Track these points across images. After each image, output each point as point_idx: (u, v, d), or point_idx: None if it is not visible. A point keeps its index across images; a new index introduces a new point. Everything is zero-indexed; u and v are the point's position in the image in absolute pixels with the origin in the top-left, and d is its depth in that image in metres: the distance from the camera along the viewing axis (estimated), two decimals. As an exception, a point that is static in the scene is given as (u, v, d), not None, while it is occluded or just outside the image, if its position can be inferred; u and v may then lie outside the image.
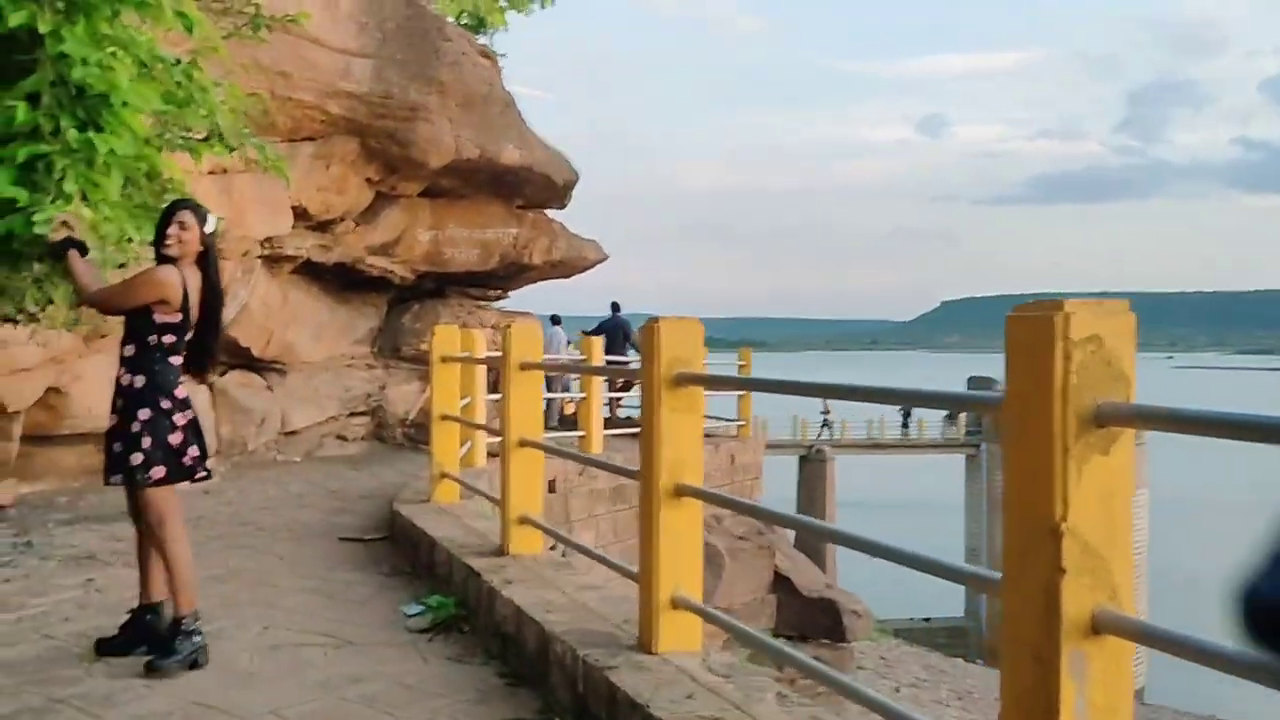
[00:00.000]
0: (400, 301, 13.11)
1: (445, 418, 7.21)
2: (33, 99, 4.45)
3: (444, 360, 7.23)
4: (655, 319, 3.75)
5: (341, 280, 11.80)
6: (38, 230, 4.18)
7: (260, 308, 10.13)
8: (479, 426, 6.95)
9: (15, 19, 4.16)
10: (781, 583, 13.64)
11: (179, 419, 4.07)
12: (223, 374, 10.50)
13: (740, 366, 13.57)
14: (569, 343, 15.44)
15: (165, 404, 4.03)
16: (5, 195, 4.24)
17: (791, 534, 16.01)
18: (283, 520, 7.70)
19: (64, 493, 8.02)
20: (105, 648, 4.19)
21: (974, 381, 44.90)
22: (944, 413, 41.29)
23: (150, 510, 4.06)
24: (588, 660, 3.63)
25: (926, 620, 34.29)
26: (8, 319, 5.32)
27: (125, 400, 4.06)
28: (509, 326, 5.50)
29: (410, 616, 5.08)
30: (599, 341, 11.42)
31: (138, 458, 3.98)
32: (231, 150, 5.86)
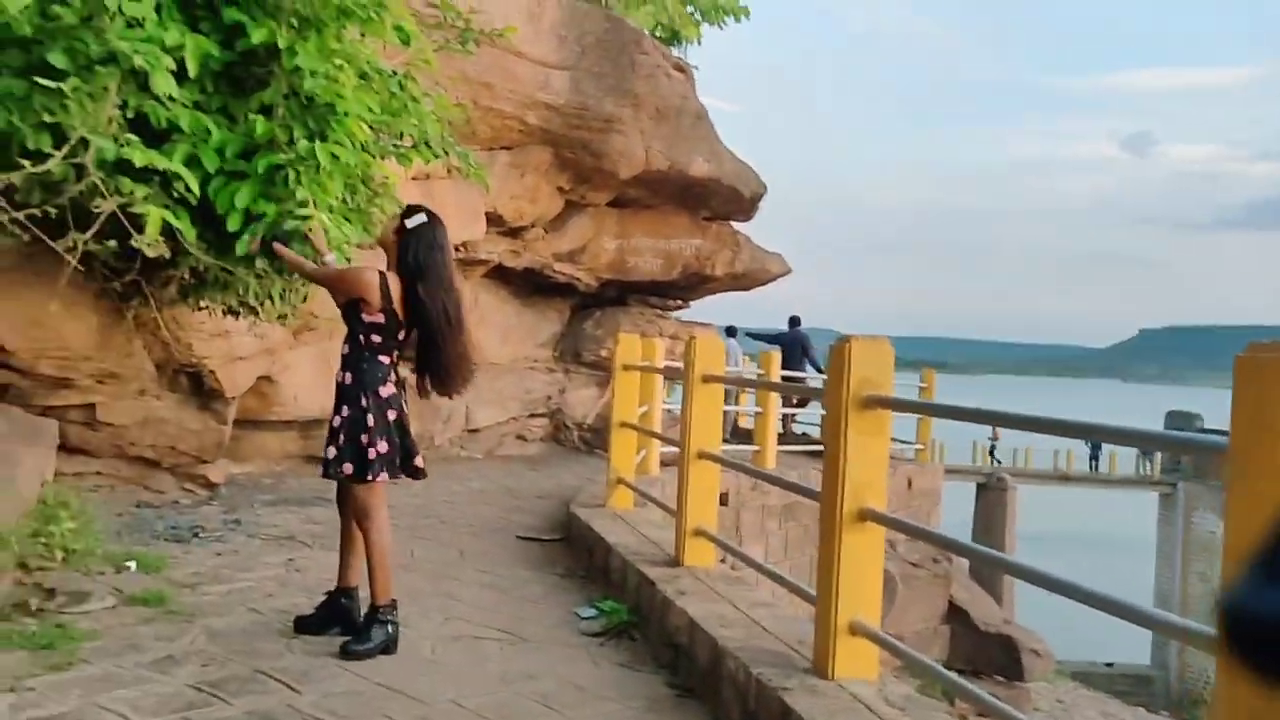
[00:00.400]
0: (583, 308, 13.40)
1: (624, 425, 7.32)
2: (266, 111, 4.78)
3: (625, 368, 7.35)
4: (846, 338, 3.70)
5: (529, 285, 12.16)
6: (282, 233, 4.53)
7: (452, 308, 10.53)
8: (657, 436, 7.01)
9: (257, 36, 4.48)
10: (957, 614, 13.19)
11: (377, 418, 4.21)
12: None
13: (922, 389, 13.21)
14: (745, 355, 15.41)
15: (365, 402, 4.19)
16: (256, 210, 4.57)
17: (966, 564, 15.47)
18: (463, 515, 7.98)
19: (268, 475, 8.56)
20: (302, 625, 4.44)
21: (1173, 417, 42.31)
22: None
23: (355, 503, 4.27)
24: (761, 679, 3.61)
25: (1108, 665, 32.43)
26: (230, 311, 5.72)
27: (336, 396, 4.28)
28: (693, 339, 5.54)
29: (583, 619, 5.18)
30: (777, 356, 11.35)
31: (331, 452, 4.21)
32: (437, 158, 6.12)
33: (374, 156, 5.52)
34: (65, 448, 6.70)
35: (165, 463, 7.12)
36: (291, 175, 4.55)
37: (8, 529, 4.75)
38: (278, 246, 4.47)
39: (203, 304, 5.70)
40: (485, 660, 4.36)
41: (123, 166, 4.34)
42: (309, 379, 8.28)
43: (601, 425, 12.73)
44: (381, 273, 4.23)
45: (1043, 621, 17.96)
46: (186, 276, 5.23)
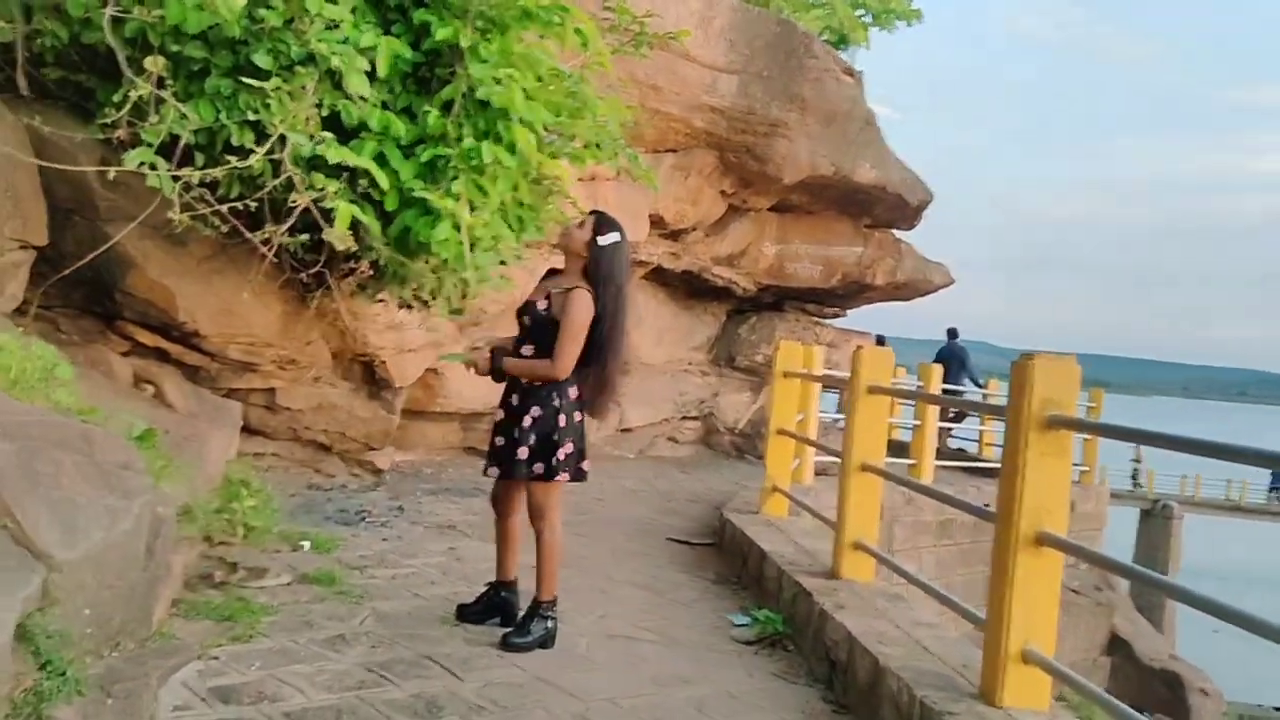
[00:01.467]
0: (739, 312, 13.34)
1: (782, 432, 7.24)
2: (445, 108, 4.92)
3: (785, 375, 7.26)
4: (1030, 355, 3.55)
5: (686, 287, 12.18)
6: (435, 246, 4.64)
7: (611, 309, 10.64)
8: (817, 445, 6.90)
9: (441, 34, 4.61)
10: (1119, 646, 12.55)
11: (569, 419, 4.23)
12: (571, 368, 11.13)
13: (1090, 409, 12.61)
14: (897, 366, 15.05)
15: (557, 402, 4.20)
16: (407, 184, 4.72)
17: (1129, 593, 14.69)
18: (616, 514, 8.04)
19: (430, 464, 8.83)
20: (464, 614, 4.54)
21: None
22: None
23: (532, 500, 4.30)
24: (925, 702, 3.50)
25: (1278, 709, 30.33)
26: (404, 304, 5.92)
27: (521, 397, 4.25)
28: (860, 349, 5.42)
29: (736, 626, 5.14)
30: (938, 369, 11.05)
31: (523, 452, 4.17)
32: (609, 159, 6.19)
33: (549, 157, 5.60)
34: (246, 428, 7.06)
35: (336, 448, 7.42)
36: (451, 168, 4.65)
37: (196, 503, 5.03)
38: (508, 363, 4.26)
39: (380, 296, 5.91)
40: (640, 661, 4.37)
41: (315, 163, 4.54)
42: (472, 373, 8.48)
43: (753, 431, 12.66)
44: (582, 289, 4.21)
45: (1207, 658, 16.92)
46: (367, 269, 5.44)
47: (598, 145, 6.05)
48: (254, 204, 4.45)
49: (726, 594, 5.82)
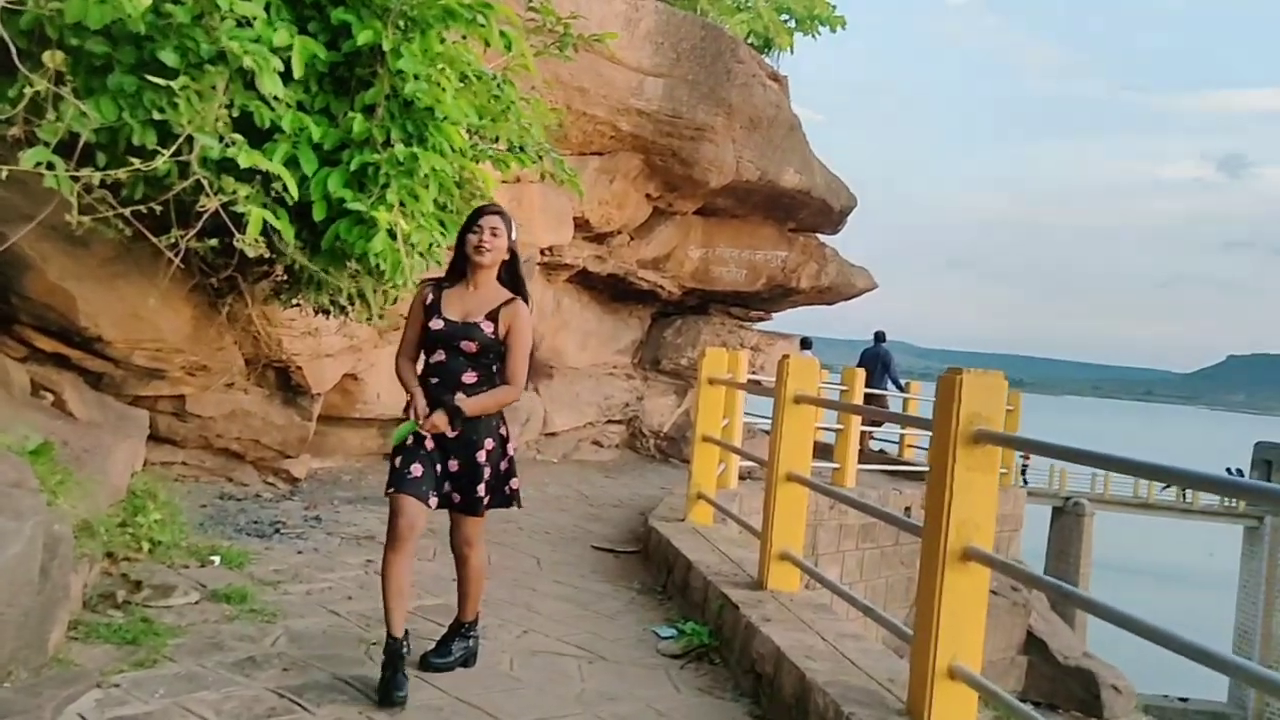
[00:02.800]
0: (663, 315, 13.30)
1: (707, 439, 7.20)
2: (368, 111, 4.76)
3: (711, 382, 7.22)
4: (957, 370, 3.54)
5: (611, 291, 12.10)
6: (372, 257, 4.50)
7: (535, 312, 10.48)
8: (742, 453, 6.87)
9: (362, 37, 4.45)
10: (1035, 644, 12.80)
11: (511, 448, 4.12)
12: (495, 372, 10.97)
13: (1009, 412, 12.79)
14: (822, 369, 15.16)
15: (504, 431, 4.08)
16: (336, 194, 4.55)
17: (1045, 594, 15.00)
18: (540, 522, 7.93)
19: (348, 471, 8.61)
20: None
21: (1262, 447, 40.75)
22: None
23: (473, 532, 4.09)
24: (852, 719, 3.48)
25: (1183, 700, 31.39)
26: (321, 310, 5.73)
27: (466, 428, 3.89)
28: (786, 358, 5.40)
29: (662, 638, 5.07)
30: (861, 374, 11.13)
31: (480, 490, 3.96)
32: (533, 163, 6.07)
33: (472, 160, 5.48)
34: (154, 437, 6.80)
35: (249, 456, 7.18)
36: (382, 175, 4.51)
37: (97, 519, 4.80)
38: (473, 404, 3.84)
39: (295, 302, 5.71)
40: (564, 678, 4.27)
41: (226, 165, 4.35)
42: (392, 377, 8.30)
43: (678, 434, 12.64)
44: (520, 302, 3.99)
45: (1115, 652, 17.37)
46: (281, 275, 5.25)
47: (521, 149, 5.94)
48: (159, 207, 4.24)
49: (652, 605, 5.75)
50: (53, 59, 4.05)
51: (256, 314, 5.92)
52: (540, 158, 6.23)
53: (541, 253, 9.88)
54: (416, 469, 3.81)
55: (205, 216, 4.20)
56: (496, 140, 5.90)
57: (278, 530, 6.21)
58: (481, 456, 3.92)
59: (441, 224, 5.28)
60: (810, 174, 11.56)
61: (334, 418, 8.13)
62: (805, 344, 14.67)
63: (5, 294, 5.22)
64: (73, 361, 5.75)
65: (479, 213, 4.04)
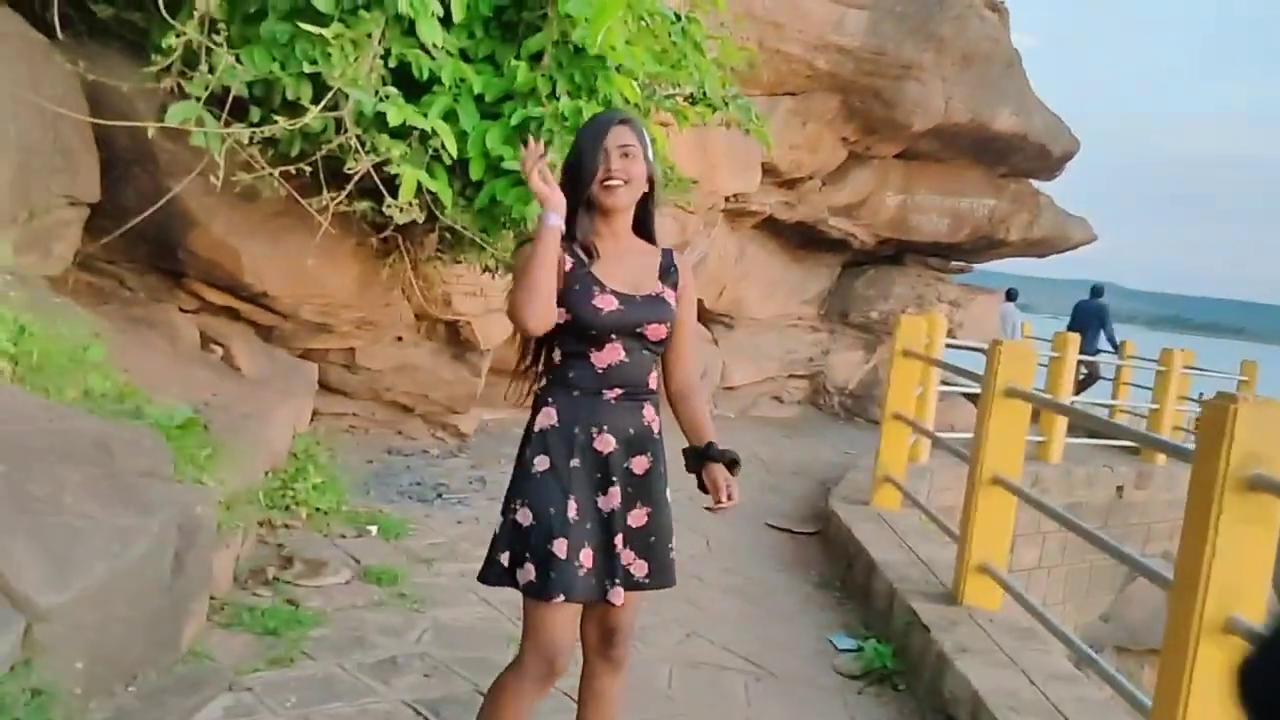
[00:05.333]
0: (854, 265, 12.51)
1: (898, 417, 6.55)
2: (535, 59, 4.32)
3: (905, 354, 6.54)
4: (1228, 397, 2.83)
5: (799, 239, 11.42)
6: (526, 217, 4.08)
7: (717, 261, 10.00)
8: (938, 439, 6.18)
9: (529, -27, 4.00)
10: None
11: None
12: (674, 322, 10.54)
13: (1242, 382, 11.42)
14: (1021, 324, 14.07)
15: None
16: (494, 152, 4.15)
17: None
18: (713, 489, 7.50)
19: (519, 423, 8.38)
20: None
21: None
22: None
23: (629, 622, 2.66)
24: (1069, 812, 2.90)
25: None
26: (487, 269, 5.40)
27: (651, 460, 2.57)
28: (997, 344, 4.69)
29: (840, 650, 4.56)
30: (1074, 341, 10.09)
31: (642, 568, 2.52)
32: (715, 111, 5.51)
33: (645, 113, 4.97)
34: (326, 387, 6.71)
35: (418, 409, 7.02)
36: (545, 130, 4.07)
37: (254, 487, 4.65)
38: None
39: (459, 260, 5.40)
40: (728, 701, 3.84)
41: (381, 121, 4.01)
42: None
43: (864, 392, 11.93)
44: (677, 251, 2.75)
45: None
46: (443, 234, 4.92)
47: (704, 97, 5.38)
48: (308, 167, 3.94)
49: (830, 604, 5.24)
50: (206, 4, 3.77)
51: (420, 273, 5.65)
52: (725, 105, 5.65)
53: (726, 199, 9.30)
54: (583, 553, 2.35)
55: (355, 179, 3.88)
56: (677, 88, 5.36)
57: (440, 495, 6.01)
58: (668, 498, 2.59)
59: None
60: (1028, 115, 10.45)
61: (507, 370, 7.89)
62: (1010, 295, 13.57)
63: (174, 249, 5.10)
64: (242, 315, 5.65)
65: (602, 125, 2.46)
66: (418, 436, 7.14)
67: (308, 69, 3.82)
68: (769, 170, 9.44)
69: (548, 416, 2.42)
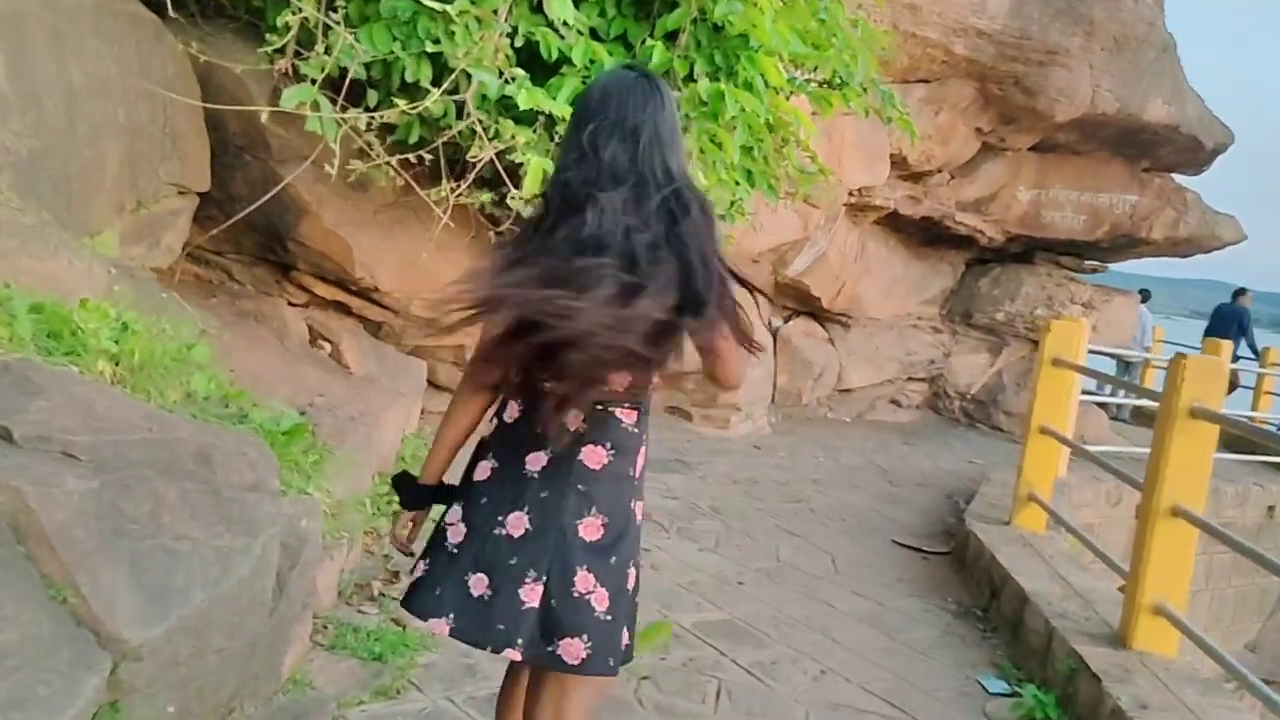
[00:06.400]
0: (980, 262, 11.86)
1: (1046, 432, 6.02)
2: (670, 38, 3.95)
3: (1055, 364, 6.00)
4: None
5: (922, 235, 10.84)
6: None
7: (837, 257, 9.51)
8: (1098, 461, 5.62)
9: (668, -56, 3.63)
10: None
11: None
12: (788, 320, 10.11)
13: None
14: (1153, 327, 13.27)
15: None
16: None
17: None
18: (833, 501, 7.07)
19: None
20: None
21: None
22: None
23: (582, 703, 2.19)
24: None
25: None
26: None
27: (621, 522, 2.09)
28: (1181, 359, 4.17)
29: (991, 694, 4.11)
30: (1226, 348, 9.34)
31: (625, 636, 2.11)
32: (857, 98, 5.08)
33: (785, 96, 4.57)
34: (434, 385, 6.47)
35: (529, 410, 6.74)
36: (681, 117, 3.71)
37: (363, 490, 4.41)
38: None
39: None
40: (872, 755, 3.44)
41: (507, 105, 3.70)
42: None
43: (987, 397, 11.32)
44: None
45: None
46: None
47: (845, 82, 4.95)
48: (427, 155, 3.65)
49: (973, 637, 4.78)
50: (324, -20, 3.50)
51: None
52: (866, 91, 5.22)
53: (850, 193, 8.82)
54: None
55: (477, 168, 3.57)
56: (817, 71, 4.94)
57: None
58: (630, 579, 2.13)
59: (748, 175, 4.43)
60: (1181, 105, 9.69)
61: (617, 369, 7.56)
62: (1144, 296, 12.78)
63: (283, 240, 4.89)
64: (352, 310, 5.42)
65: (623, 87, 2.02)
66: (527, 437, 6.87)
67: (429, 48, 3.52)
68: (896, 162, 8.92)
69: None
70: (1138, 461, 8.86)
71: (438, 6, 3.50)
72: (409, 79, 3.64)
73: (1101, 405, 11.17)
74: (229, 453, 2.92)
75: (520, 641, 1.97)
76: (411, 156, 3.77)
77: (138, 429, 2.69)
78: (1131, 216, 10.81)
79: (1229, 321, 12.52)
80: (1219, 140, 10.52)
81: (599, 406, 1.98)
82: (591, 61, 3.85)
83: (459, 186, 3.67)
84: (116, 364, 3.05)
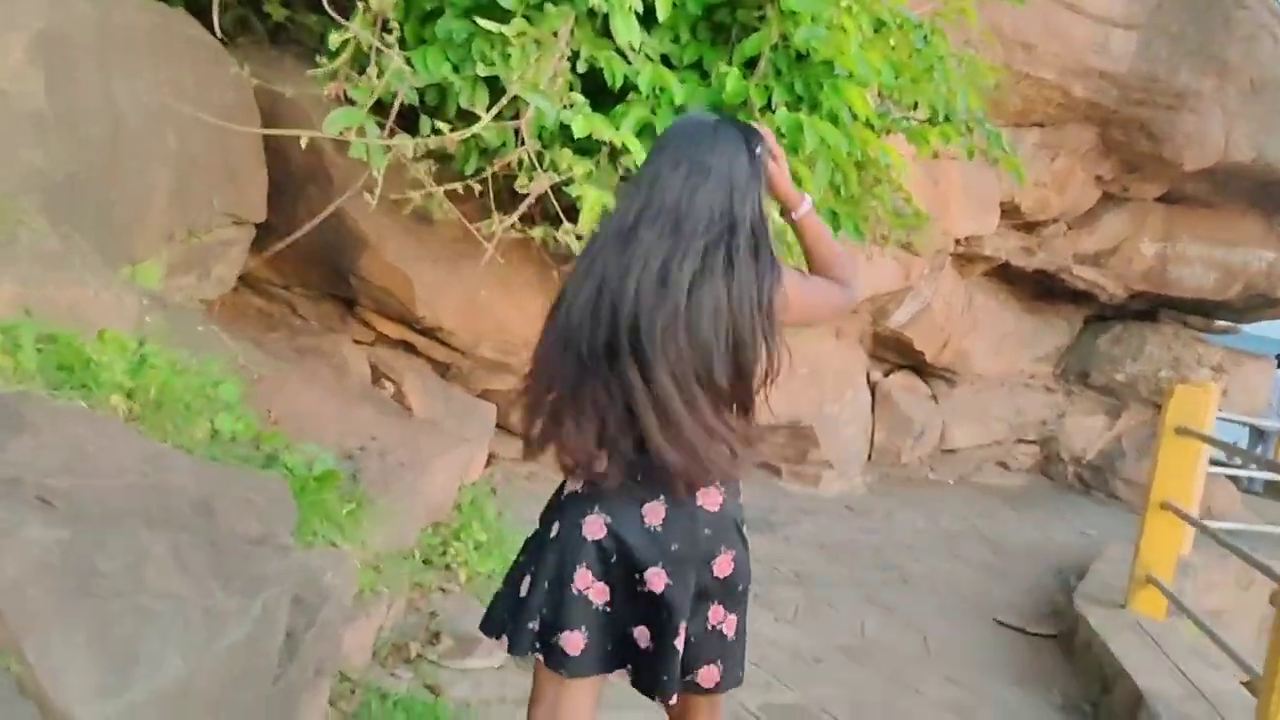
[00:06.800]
0: (1099, 320, 11.15)
1: (1168, 507, 5.44)
2: (749, 65, 3.65)
3: (1180, 432, 5.43)
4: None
5: (1035, 288, 10.24)
6: None
7: (942, 309, 9.01)
8: (1242, 554, 5.01)
9: (745, -38, 3.34)
10: None
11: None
12: (888, 374, 9.63)
13: None
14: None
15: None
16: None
17: None
18: (929, 571, 6.55)
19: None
20: None
21: None
22: None
23: None
24: None
25: None
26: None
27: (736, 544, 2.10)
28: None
29: (1096, 810, 3.60)
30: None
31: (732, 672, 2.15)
32: (960, 137, 4.68)
33: (876, 132, 4.20)
34: (505, 429, 6.22)
35: (604, 460, 6.44)
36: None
37: (410, 542, 4.15)
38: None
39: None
40: None
41: (567, 134, 3.43)
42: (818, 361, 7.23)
43: (1104, 463, 10.58)
44: None
45: None
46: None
47: (947, 118, 4.56)
48: (478, 186, 3.40)
49: (1079, 742, 4.25)
50: (380, 1, 3.30)
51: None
52: (970, 130, 4.82)
53: (957, 242, 8.34)
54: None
55: (529, 199, 3.31)
56: (915, 108, 4.57)
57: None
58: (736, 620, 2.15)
59: (833, 215, 4.07)
60: (1326, 155, 8.95)
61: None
62: (1280, 361, 11.87)
63: (345, 275, 4.72)
64: (419, 349, 5.22)
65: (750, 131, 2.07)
66: (602, 488, 6.55)
67: (483, 71, 3.28)
68: (1008, 211, 8.40)
69: None
70: (1272, 541, 8.12)
71: (494, 28, 3.26)
72: (464, 105, 3.40)
73: (1232, 478, 10.34)
74: (234, 500, 2.67)
75: (675, 686, 2.02)
76: (463, 187, 3.53)
77: (129, 473, 2.46)
78: (1268, 275, 10.02)
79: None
80: (1368, 193, 9.69)
81: None
82: (661, 90, 3.56)
83: (509, 219, 3.41)
84: (131, 399, 2.85)
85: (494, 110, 3.23)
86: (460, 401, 5.41)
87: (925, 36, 4.36)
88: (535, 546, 2.14)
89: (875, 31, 4.01)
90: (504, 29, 3.25)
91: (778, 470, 8.15)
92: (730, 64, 3.60)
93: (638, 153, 3.31)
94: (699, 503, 2.00)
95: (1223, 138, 8.11)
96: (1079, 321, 11.12)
